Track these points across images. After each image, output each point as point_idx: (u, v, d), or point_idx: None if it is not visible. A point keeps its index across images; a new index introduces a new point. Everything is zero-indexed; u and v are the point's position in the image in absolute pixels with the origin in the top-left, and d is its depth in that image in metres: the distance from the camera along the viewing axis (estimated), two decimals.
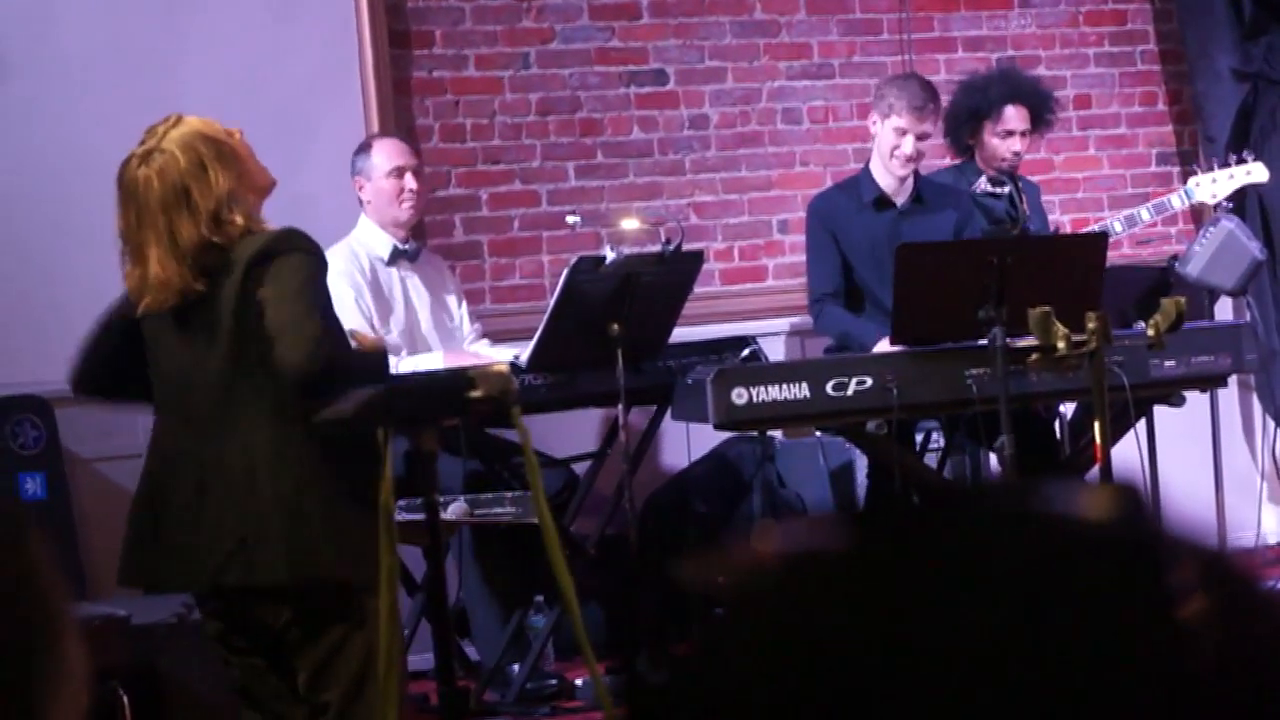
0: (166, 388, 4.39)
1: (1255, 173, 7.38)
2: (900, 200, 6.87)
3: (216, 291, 4.27)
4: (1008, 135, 7.24)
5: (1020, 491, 0.91)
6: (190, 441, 4.28)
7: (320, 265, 4.31)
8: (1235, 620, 0.86)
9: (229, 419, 4.20)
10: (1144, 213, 7.36)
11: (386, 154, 6.52)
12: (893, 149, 6.80)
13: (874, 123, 6.93)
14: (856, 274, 6.82)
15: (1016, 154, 7.26)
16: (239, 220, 4.31)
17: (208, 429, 4.25)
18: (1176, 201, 7.38)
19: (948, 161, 7.42)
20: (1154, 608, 0.85)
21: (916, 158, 6.84)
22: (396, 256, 6.51)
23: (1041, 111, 7.36)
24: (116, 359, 4.47)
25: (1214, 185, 7.31)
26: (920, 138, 6.79)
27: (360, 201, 6.56)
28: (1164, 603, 0.84)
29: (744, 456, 7.12)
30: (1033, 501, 0.89)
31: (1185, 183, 7.72)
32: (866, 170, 6.94)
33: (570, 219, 6.80)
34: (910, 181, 6.89)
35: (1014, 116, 7.23)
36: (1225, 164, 7.41)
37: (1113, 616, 0.84)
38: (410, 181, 6.50)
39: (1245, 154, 7.46)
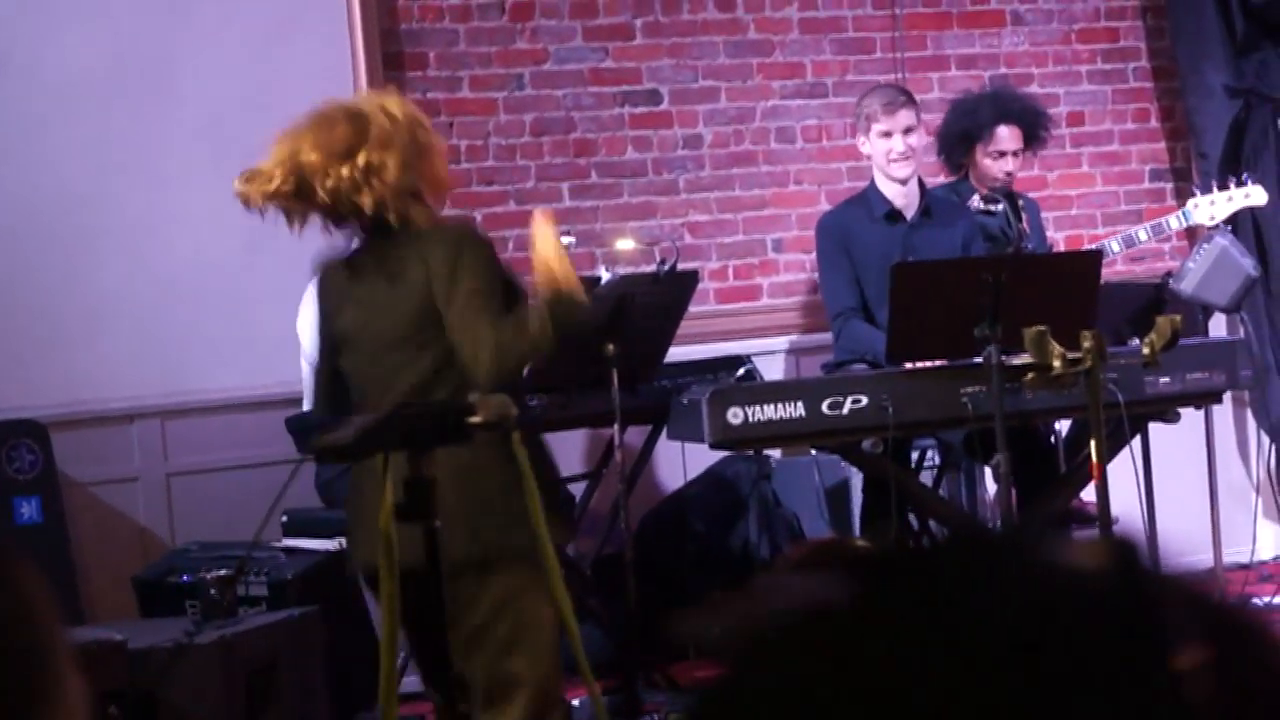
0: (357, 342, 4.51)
1: (1254, 195, 7.40)
2: (910, 214, 6.90)
3: (402, 260, 4.39)
4: (1000, 156, 7.26)
5: (1021, 542, 0.91)
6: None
7: (493, 256, 4.44)
8: (1236, 680, 0.86)
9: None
10: (1141, 233, 7.38)
11: None
12: (887, 155, 6.83)
13: (862, 143, 6.96)
14: (865, 289, 6.83)
15: (1009, 174, 7.28)
16: (427, 209, 4.45)
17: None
18: (1174, 223, 7.40)
19: (942, 179, 7.44)
20: (1153, 669, 0.84)
21: (913, 152, 6.86)
22: None
23: (1035, 130, 7.38)
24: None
25: (1212, 207, 7.32)
26: (907, 131, 6.83)
27: None
28: (1163, 661, 0.84)
29: (740, 476, 7.12)
30: (1033, 552, 0.89)
31: (1180, 200, 7.74)
32: (873, 186, 6.96)
33: (565, 239, 6.78)
34: (917, 195, 6.92)
35: (1006, 137, 7.25)
36: (1223, 185, 7.43)
37: (1113, 677, 0.84)
38: None
39: (1245, 176, 7.48)
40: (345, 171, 4.40)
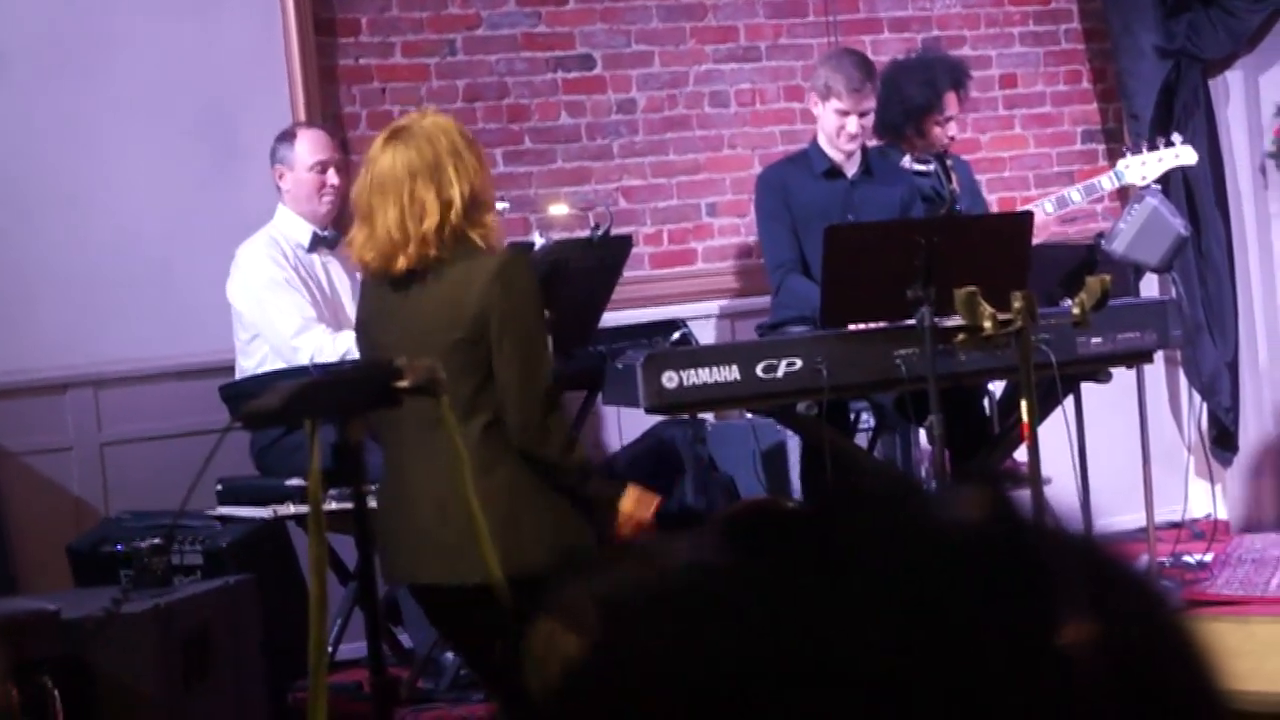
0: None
1: (1184, 155, 7.45)
2: (851, 171, 6.93)
3: (454, 281, 4.48)
4: (947, 122, 7.29)
5: (898, 497, 0.91)
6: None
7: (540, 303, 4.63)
8: (1121, 638, 0.86)
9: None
10: (1074, 194, 7.41)
11: (310, 147, 6.51)
12: (838, 130, 6.86)
13: (814, 104, 6.97)
14: (805, 245, 6.84)
15: (952, 137, 7.32)
16: (489, 221, 4.54)
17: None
18: (1106, 183, 7.43)
19: (872, 142, 7.44)
20: (1034, 623, 0.84)
21: (865, 132, 6.90)
22: (316, 243, 6.51)
23: (968, 91, 7.41)
24: None
25: (1143, 168, 7.36)
26: (862, 115, 6.85)
27: (279, 189, 6.55)
28: (1044, 615, 0.84)
29: (675, 440, 7.13)
30: (909, 507, 0.89)
31: (1113, 162, 7.76)
32: (815, 144, 6.98)
33: (499, 205, 6.78)
34: (859, 153, 6.94)
35: (952, 102, 7.29)
36: (1154, 145, 7.47)
37: (992, 631, 0.84)
38: (332, 176, 6.50)
39: (1174, 136, 7.52)
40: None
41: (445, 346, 4.47)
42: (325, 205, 6.51)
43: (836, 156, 6.93)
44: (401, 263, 4.50)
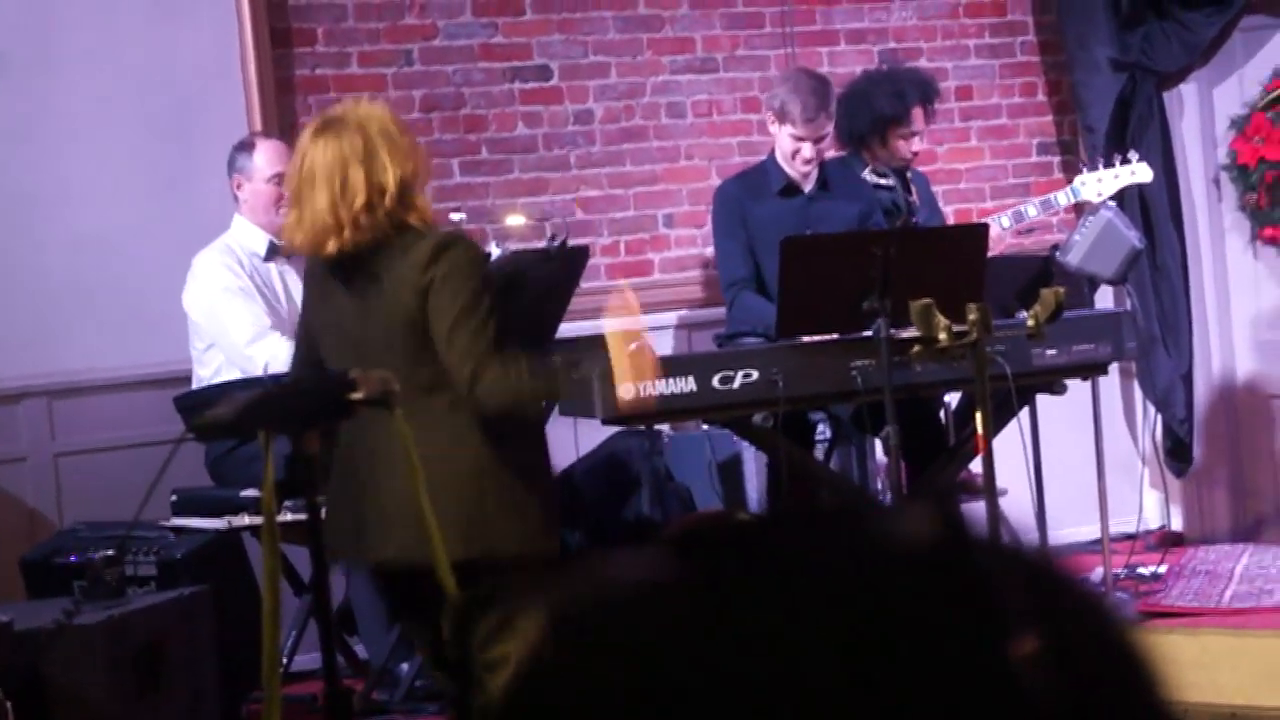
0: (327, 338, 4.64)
1: (1140, 173, 7.49)
2: (808, 187, 6.94)
3: (396, 263, 4.47)
4: (911, 136, 7.31)
5: (850, 512, 0.91)
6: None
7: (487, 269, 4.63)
8: (1069, 653, 0.86)
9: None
10: (1030, 209, 7.44)
11: (269, 158, 6.49)
12: (793, 154, 6.87)
13: (771, 123, 6.98)
14: (761, 263, 6.85)
15: (915, 153, 7.35)
16: (422, 204, 4.55)
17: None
18: (1063, 199, 7.47)
19: (832, 153, 7.46)
20: (981, 640, 0.84)
21: (817, 157, 6.90)
22: (273, 252, 6.49)
23: (933, 105, 7.44)
24: None
25: (1099, 184, 7.39)
26: (818, 140, 6.85)
27: (236, 199, 6.53)
28: (993, 637, 0.84)
29: (632, 451, 7.13)
30: (860, 522, 0.89)
31: (1069, 175, 7.80)
32: (772, 159, 6.99)
33: (455, 216, 6.78)
34: (816, 169, 6.96)
35: (919, 116, 7.31)
36: (1110, 162, 7.51)
37: (939, 650, 0.84)
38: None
39: (1130, 154, 7.55)
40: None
41: (395, 328, 4.46)
42: (283, 216, 6.49)
43: (793, 174, 6.95)
44: (332, 245, 4.49)
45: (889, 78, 7.45)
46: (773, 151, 7.01)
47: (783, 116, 6.86)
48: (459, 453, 4.50)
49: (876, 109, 7.27)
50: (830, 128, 6.93)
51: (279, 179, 6.47)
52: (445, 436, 4.46)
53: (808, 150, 6.86)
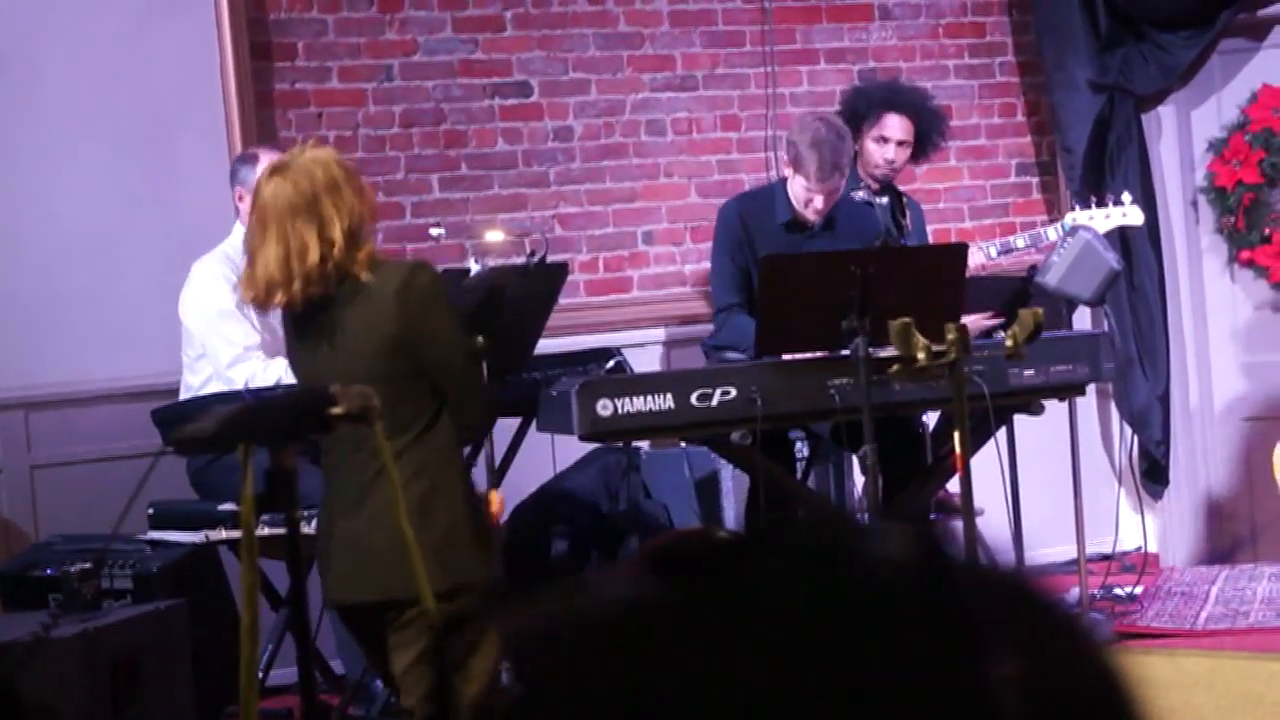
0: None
1: (1131, 215, 7.54)
2: (813, 224, 6.89)
3: (347, 310, 4.51)
4: (883, 141, 7.32)
5: (827, 532, 0.91)
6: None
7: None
8: (1045, 676, 0.86)
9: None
10: (1019, 241, 7.50)
11: None
12: (804, 201, 6.82)
13: (785, 164, 6.97)
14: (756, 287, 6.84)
15: (889, 161, 7.35)
16: (364, 256, 4.54)
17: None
18: (1052, 234, 7.48)
19: None
20: (958, 663, 0.84)
21: (827, 207, 6.85)
22: None
23: (929, 129, 7.44)
24: None
25: (1091, 223, 7.41)
26: (829, 194, 6.80)
27: (237, 210, 6.52)
28: (970, 660, 0.84)
29: (609, 468, 7.13)
30: (837, 543, 0.89)
31: (1047, 197, 7.83)
32: (783, 186, 6.94)
33: (434, 231, 6.79)
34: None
35: (893, 124, 7.33)
36: (1089, 189, 7.55)
37: (915, 673, 0.84)
38: None
39: (1123, 196, 7.61)
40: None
41: (365, 367, 4.47)
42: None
43: (801, 213, 6.89)
44: (279, 298, 4.52)
45: (868, 84, 7.53)
46: (786, 180, 6.95)
47: (797, 165, 6.81)
48: (436, 483, 4.58)
49: (845, 108, 7.34)
50: (843, 182, 6.89)
51: None
52: (417, 467, 4.53)
53: (819, 202, 6.82)
